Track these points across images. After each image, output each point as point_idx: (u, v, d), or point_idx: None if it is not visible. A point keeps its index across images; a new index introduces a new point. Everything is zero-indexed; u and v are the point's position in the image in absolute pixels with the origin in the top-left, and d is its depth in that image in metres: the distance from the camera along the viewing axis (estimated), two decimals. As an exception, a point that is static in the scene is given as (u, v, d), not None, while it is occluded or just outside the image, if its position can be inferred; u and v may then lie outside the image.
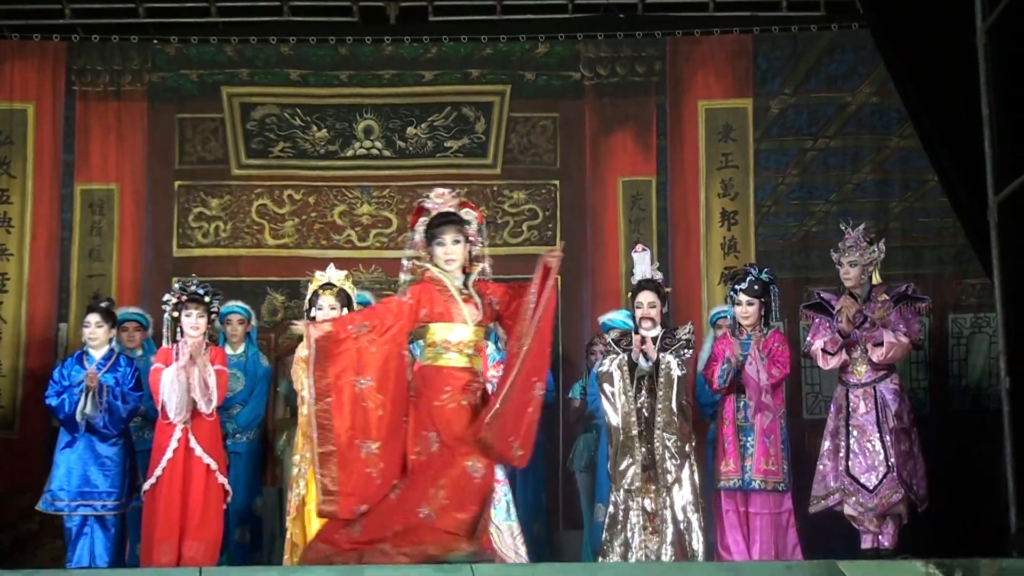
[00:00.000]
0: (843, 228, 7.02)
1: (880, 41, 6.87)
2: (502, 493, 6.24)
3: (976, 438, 7.39)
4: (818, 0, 8.69)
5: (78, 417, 6.70)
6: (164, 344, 6.69)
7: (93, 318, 6.97)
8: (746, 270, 7.08)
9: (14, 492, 7.85)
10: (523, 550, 6.24)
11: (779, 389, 6.93)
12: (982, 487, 7.01)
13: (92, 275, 8.52)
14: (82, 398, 6.69)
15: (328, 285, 6.50)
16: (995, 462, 6.25)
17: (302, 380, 6.37)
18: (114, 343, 7.05)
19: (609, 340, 6.92)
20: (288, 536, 6.36)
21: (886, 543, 6.70)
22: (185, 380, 6.49)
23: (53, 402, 6.82)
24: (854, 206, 8.34)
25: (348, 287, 6.55)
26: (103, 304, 7.11)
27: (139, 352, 7.42)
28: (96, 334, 6.93)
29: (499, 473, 6.16)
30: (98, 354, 6.92)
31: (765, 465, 6.77)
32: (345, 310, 6.46)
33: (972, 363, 8.10)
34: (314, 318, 6.44)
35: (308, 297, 6.54)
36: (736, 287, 6.97)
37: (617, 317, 7.39)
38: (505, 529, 6.26)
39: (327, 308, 6.44)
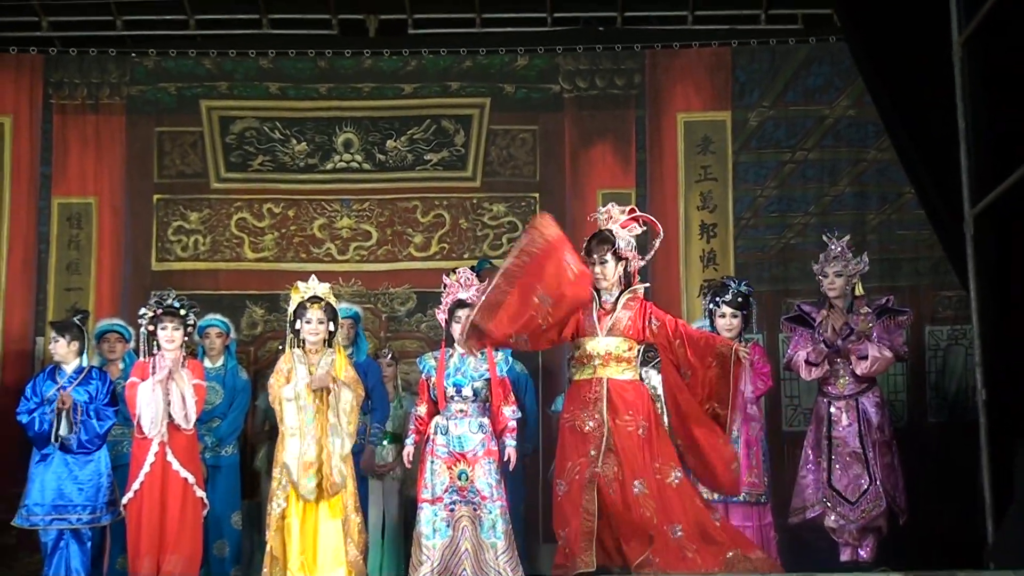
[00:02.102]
0: (826, 239, 7.03)
1: (857, 54, 6.90)
2: (486, 510, 6.22)
3: (953, 450, 7.41)
4: (796, 14, 8.71)
5: (53, 439, 6.67)
6: (140, 358, 6.67)
7: (52, 332, 6.95)
8: (725, 283, 7.08)
9: (-9, 507, 7.79)
10: (507, 569, 6.19)
11: (759, 401, 6.94)
12: (959, 499, 7.02)
13: (70, 288, 8.48)
14: (56, 419, 6.66)
15: (315, 298, 6.48)
16: (972, 474, 6.27)
17: (278, 395, 6.35)
18: (84, 357, 7.01)
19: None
20: (268, 549, 6.35)
21: (865, 556, 6.69)
22: (162, 394, 6.46)
23: (24, 419, 6.79)
24: (832, 218, 8.35)
25: (333, 300, 6.55)
26: (74, 318, 7.07)
27: (121, 365, 7.39)
28: (56, 349, 6.90)
29: (485, 491, 6.16)
30: (69, 368, 6.88)
31: (748, 477, 6.73)
32: (331, 324, 6.46)
33: (949, 375, 8.12)
34: (299, 331, 6.43)
35: (293, 309, 6.51)
36: (719, 299, 6.96)
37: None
38: (487, 547, 6.22)
39: (315, 322, 6.44)
